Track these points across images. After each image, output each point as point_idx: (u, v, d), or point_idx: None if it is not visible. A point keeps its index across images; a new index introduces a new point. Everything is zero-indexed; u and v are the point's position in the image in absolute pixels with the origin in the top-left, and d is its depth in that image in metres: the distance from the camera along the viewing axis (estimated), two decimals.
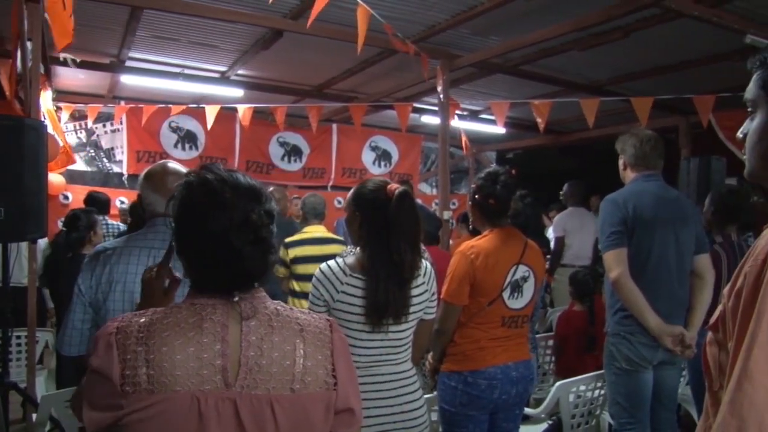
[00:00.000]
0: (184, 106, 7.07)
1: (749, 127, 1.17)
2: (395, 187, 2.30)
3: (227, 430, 1.20)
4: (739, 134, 1.21)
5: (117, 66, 6.56)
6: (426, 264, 2.47)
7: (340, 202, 8.77)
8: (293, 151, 8.85)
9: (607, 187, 3.44)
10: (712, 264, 3.34)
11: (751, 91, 1.16)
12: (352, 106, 7.14)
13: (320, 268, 2.32)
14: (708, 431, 0.98)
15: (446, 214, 5.95)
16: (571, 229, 6.81)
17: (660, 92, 6.08)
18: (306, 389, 1.27)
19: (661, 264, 3.11)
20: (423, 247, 3.81)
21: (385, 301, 2.24)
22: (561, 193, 7.25)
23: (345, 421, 1.34)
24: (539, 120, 6.14)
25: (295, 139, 8.85)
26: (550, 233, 7.04)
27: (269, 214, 1.32)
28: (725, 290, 1.07)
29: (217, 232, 1.24)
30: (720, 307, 1.08)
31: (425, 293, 2.41)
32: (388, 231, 2.25)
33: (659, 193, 3.19)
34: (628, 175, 3.29)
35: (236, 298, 1.29)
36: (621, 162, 3.31)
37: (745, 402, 0.89)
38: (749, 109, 1.17)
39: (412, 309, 2.33)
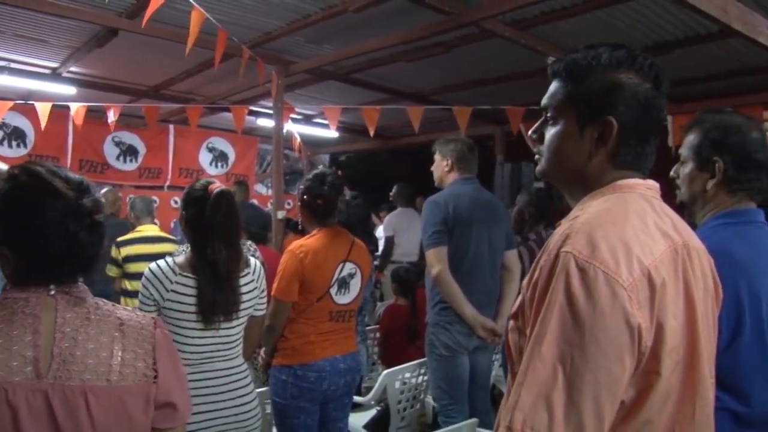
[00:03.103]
0: (10, 103, 6.55)
1: (543, 129, 1.25)
2: (216, 186, 2.36)
3: (39, 421, 1.18)
4: (532, 134, 1.28)
5: None
6: (255, 262, 2.55)
7: (176, 202, 8.56)
8: (129, 151, 8.51)
9: (432, 188, 3.61)
10: (519, 259, 3.66)
11: (555, 98, 1.22)
12: (189, 107, 7.03)
13: (149, 268, 2.33)
14: None
15: (280, 214, 6.05)
16: (400, 229, 7.12)
17: (478, 103, 6.50)
18: (123, 381, 1.27)
19: (476, 260, 3.35)
20: (254, 247, 3.90)
21: (213, 299, 2.28)
22: (391, 194, 7.61)
23: (167, 416, 1.34)
24: (369, 125, 6.41)
25: (131, 138, 8.51)
26: (380, 232, 7.35)
27: (99, 203, 1.36)
28: (524, 282, 1.14)
29: (54, 219, 1.26)
30: (520, 298, 1.15)
31: (255, 290, 2.49)
32: (205, 229, 2.31)
33: (475, 195, 3.42)
34: (448, 178, 3.47)
35: (52, 291, 1.29)
36: (445, 163, 3.47)
37: (538, 380, 0.97)
38: (548, 114, 1.23)
39: (242, 306, 2.40)
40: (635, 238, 1.03)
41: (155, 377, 1.32)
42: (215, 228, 2.31)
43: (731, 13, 2.71)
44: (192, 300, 2.29)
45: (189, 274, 2.31)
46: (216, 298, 2.30)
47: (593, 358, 0.95)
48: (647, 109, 1.15)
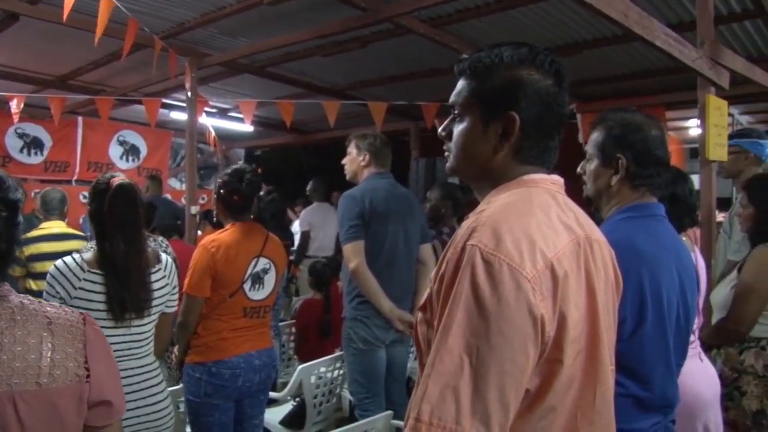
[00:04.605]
0: None
1: (451, 126, 1.27)
2: (117, 180, 2.32)
3: None
4: (441, 131, 1.29)
5: None
6: (166, 258, 2.51)
7: (85, 197, 8.25)
8: (33, 144, 8.11)
9: (347, 183, 3.62)
10: (434, 253, 3.70)
11: (461, 95, 1.24)
12: (99, 99, 6.76)
13: (55, 265, 2.27)
14: None
15: (193, 209, 5.96)
16: (316, 224, 7.16)
17: (393, 98, 6.61)
18: (54, 383, 1.22)
19: (393, 253, 3.39)
20: (166, 243, 3.80)
21: (122, 296, 2.24)
22: (307, 189, 7.59)
23: (102, 414, 1.30)
24: (285, 118, 6.36)
25: (36, 130, 8.11)
26: (296, 227, 7.33)
27: (10, 188, 1.30)
28: (432, 275, 1.15)
29: None
30: (427, 290, 1.16)
31: (166, 287, 2.45)
32: (105, 223, 2.27)
33: (390, 189, 3.46)
34: (364, 173, 3.49)
35: None
36: (361, 158, 3.48)
37: (445, 371, 0.98)
38: (455, 111, 1.25)
39: (153, 303, 2.36)
40: (539, 231, 1.06)
41: (87, 376, 1.27)
42: (113, 221, 2.27)
43: (631, 17, 2.84)
44: (101, 297, 2.23)
45: (97, 271, 2.25)
46: (125, 295, 2.25)
47: (498, 348, 0.98)
48: (549, 104, 1.18)
